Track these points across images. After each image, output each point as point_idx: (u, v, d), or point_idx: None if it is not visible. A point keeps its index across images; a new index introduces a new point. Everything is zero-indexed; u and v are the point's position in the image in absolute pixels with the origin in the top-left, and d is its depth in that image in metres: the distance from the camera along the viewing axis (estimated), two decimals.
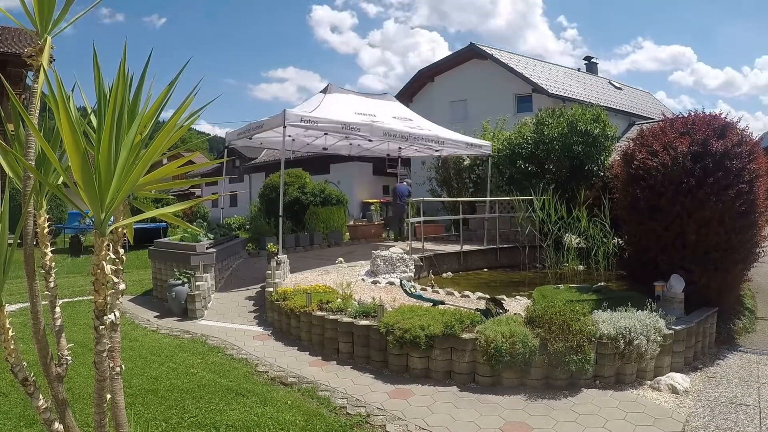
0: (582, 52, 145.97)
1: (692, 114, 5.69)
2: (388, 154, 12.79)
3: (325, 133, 9.91)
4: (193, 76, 2.06)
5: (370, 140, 10.37)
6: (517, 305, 5.43)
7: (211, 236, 8.37)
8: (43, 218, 2.24)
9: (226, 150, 11.67)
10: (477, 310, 4.89)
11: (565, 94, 17.52)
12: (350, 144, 12.11)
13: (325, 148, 12.06)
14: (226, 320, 6.41)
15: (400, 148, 12.53)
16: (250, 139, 10.16)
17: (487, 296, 5.61)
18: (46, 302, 2.27)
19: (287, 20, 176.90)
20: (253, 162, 27.25)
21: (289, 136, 9.95)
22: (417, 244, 9.15)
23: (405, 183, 13.40)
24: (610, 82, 23.44)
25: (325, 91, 10.07)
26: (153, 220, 11.84)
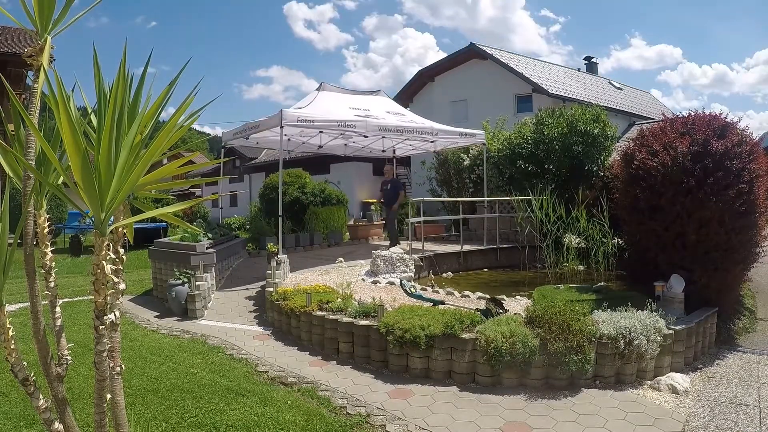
0: (567, 51, 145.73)
1: (692, 114, 5.69)
2: (383, 150, 12.71)
3: (320, 132, 9.92)
4: (187, 77, 2.06)
5: (365, 136, 10.38)
6: (517, 305, 5.43)
7: (211, 236, 8.37)
8: (43, 218, 2.24)
9: (223, 150, 11.67)
10: (477, 310, 4.89)
11: (566, 94, 17.51)
12: (345, 144, 12.08)
13: (320, 146, 12.05)
14: (226, 320, 6.41)
15: (394, 148, 12.52)
16: (247, 139, 10.17)
17: (487, 296, 5.61)
18: (46, 302, 2.27)
19: (267, 19, 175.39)
20: (253, 162, 27.25)
21: (285, 135, 9.96)
22: (417, 244, 9.14)
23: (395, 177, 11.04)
24: (610, 82, 23.43)
25: (318, 89, 10.12)
26: (153, 220, 11.84)
